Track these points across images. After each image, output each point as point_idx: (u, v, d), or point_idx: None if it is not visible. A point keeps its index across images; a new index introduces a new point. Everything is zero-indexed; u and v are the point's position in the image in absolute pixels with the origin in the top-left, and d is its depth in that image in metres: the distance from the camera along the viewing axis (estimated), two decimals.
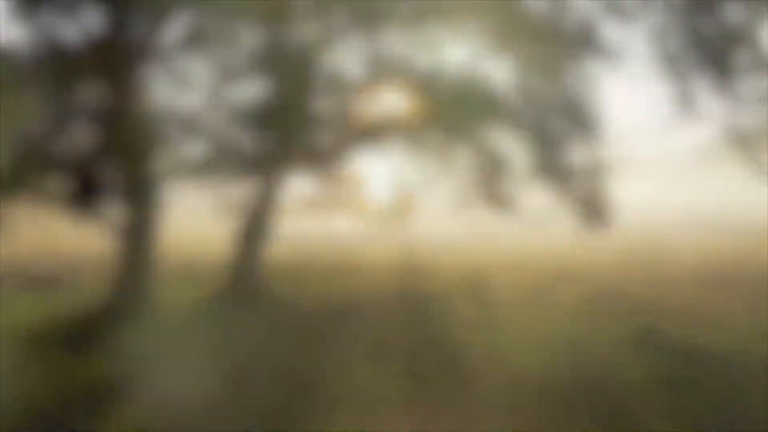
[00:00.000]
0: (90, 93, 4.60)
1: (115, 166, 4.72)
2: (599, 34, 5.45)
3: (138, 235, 4.85)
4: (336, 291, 5.64)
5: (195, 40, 4.82)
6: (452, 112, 5.38)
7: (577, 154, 5.70)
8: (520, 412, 3.29)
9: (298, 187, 5.66)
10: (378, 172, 5.81)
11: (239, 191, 5.47)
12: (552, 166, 5.68)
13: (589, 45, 5.46)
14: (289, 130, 5.23)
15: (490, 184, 5.71)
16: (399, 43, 5.35)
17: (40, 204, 4.73)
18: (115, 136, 4.63)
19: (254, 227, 5.50)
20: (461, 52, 5.41)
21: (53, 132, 4.54)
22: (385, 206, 5.80)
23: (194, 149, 5.32)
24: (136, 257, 4.86)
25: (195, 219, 5.68)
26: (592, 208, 5.67)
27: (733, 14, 5.17)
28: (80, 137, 4.65)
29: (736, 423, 3.15)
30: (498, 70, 5.54)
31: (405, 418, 3.23)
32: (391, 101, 5.45)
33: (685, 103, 5.29)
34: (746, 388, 3.53)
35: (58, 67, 4.43)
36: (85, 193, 4.64)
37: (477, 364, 3.93)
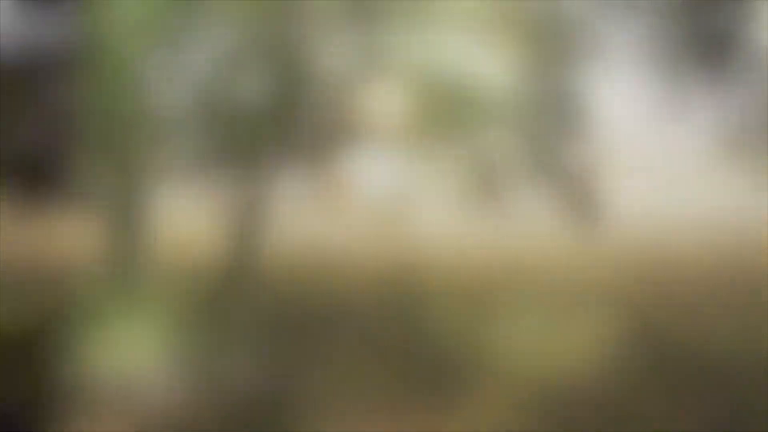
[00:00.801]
0: (68, 92, 4.55)
1: (100, 164, 4.67)
2: (595, 34, 5.45)
3: (129, 234, 4.81)
4: (331, 291, 5.62)
5: (185, 35, 4.79)
6: (448, 112, 5.37)
7: (572, 155, 5.69)
8: (516, 412, 3.26)
9: (293, 187, 5.63)
10: (373, 172, 5.79)
11: (233, 190, 5.43)
12: (548, 167, 5.67)
13: (585, 44, 5.46)
14: (284, 128, 5.20)
15: (486, 184, 5.70)
16: (395, 41, 5.34)
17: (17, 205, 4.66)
18: (103, 135, 4.59)
19: (249, 227, 5.47)
20: (457, 51, 5.40)
21: (24, 131, 4.48)
22: (380, 206, 5.79)
23: (187, 147, 5.29)
24: (127, 257, 4.82)
25: (188, 218, 5.65)
26: (589, 209, 5.66)
27: (730, 13, 5.17)
28: (58, 136, 4.59)
29: (736, 423, 3.13)
30: (494, 69, 5.54)
31: (402, 419, 3.20)
32: (387, 100, 5.44)
33: (682, 103, 5.28)
34: (746, 388, 3.51)
35: (34, 66, 4.39)
36: (53, 192, 4.57)
37: (472, 365, 3.90)
